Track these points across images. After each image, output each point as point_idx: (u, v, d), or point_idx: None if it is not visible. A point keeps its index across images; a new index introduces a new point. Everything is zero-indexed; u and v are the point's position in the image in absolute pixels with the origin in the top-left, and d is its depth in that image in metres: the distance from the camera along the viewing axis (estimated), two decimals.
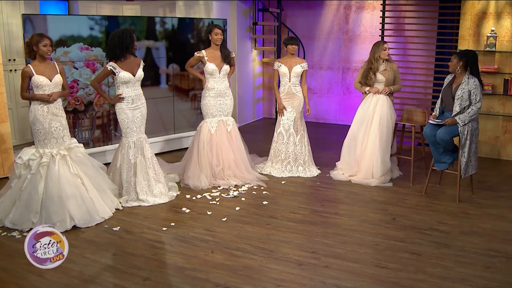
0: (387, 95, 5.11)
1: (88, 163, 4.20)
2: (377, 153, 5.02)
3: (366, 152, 5.11)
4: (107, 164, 4.85)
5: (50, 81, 3.96)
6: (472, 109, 4.42)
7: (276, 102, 5.71)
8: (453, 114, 4.49)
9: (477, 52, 5.88)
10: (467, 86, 4.43)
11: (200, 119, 5.27)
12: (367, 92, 5.18)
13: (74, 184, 4.00)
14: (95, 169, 4.26)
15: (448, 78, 4.70)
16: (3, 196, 4.06)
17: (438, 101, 4.74)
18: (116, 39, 4.34)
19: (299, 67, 5.34)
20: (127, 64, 4.40)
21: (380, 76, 5.09)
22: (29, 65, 3.96)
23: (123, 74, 4.37)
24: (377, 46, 5.11)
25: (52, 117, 4.00)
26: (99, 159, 5.03)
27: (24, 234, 3.77)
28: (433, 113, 4.78)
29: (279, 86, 5.50)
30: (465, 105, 4.43)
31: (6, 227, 3.94)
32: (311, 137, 5.73)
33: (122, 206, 4.41)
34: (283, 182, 5.19)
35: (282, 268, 3.32)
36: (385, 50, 5.06)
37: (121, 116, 4.49)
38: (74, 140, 4.22)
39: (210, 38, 4.99)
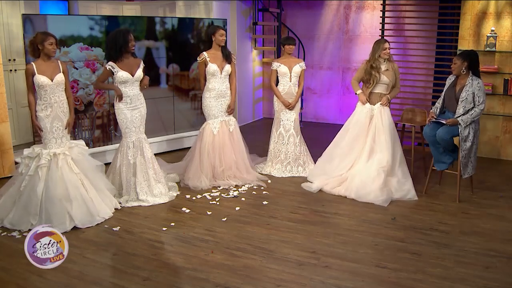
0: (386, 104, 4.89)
1: (87, 163, 4.20)
2: (380, 174, 4.66)
3: (356, 168, 4.82)
4: (107, 164, 4.85)
5: (52, 81, 3.95)
6: (475, 111, 4.38)
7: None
8: (456, 115, 4.45)
9: (477, 52, 5.93)
10: (471, 88, 4.39)
11: (200, 119, 5.27)
12: (357, 94, 4.98)
13: (74, 184, 4.00)
14: (94, 169, 4.26)
15: (450, 78, 4.65)
16: (4, 196, 4.06)
17: (440, 101, 4.67)
18: (111, 40, 4.40)
19: (298, 67, 5.35)
20: (126, 64, 4.41)
21: (384, 78, 4.81)
22: (32, 63, 3.94)
23: (121, 74, 4.37)
24: (377, 44, 4.84)
25: (55, 118, 4.01)
26: (99, 159, 5.02)
27: (24, 234, 3.77)
28: (431, 110, 4.70)
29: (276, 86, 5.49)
30: (469, 107, 4.39)
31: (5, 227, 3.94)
32: (311, 137, 5.74)
33: (121, 206, 4.41)
34: (283, 182, 5.19)
35: (282, 268, 3.31)
36: (385, 50, 4.78)
37: (120, 116, 4.49)
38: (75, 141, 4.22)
39: (213, 39, 4.98)
